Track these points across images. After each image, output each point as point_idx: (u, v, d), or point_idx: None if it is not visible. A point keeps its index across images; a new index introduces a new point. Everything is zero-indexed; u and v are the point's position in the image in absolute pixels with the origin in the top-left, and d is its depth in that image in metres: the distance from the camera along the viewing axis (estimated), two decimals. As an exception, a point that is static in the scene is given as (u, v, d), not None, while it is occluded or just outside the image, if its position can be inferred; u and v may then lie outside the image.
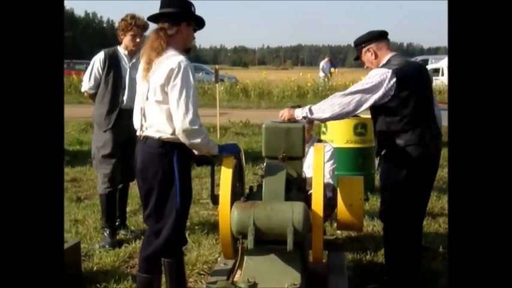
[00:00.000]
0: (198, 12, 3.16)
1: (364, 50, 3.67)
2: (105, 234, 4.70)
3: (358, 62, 3.91)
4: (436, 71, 26.69)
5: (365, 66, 3.78)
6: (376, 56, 3.63)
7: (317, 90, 22.45)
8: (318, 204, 2.89)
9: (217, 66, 14.66)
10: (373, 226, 5.07)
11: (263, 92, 22.33)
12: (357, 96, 3.43)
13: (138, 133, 3.17)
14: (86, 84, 4.69)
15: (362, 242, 4.72)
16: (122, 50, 4.68)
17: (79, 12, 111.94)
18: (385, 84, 3.41)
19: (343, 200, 3.20)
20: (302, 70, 37.43)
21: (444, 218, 5.46)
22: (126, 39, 4.62)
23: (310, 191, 3.04)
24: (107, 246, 4.58)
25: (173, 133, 2.98)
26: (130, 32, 4.58)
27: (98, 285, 3.73)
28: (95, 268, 4.09)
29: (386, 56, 3.60)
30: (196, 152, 3.10)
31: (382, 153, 3.59)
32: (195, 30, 3.20)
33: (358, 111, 3.51)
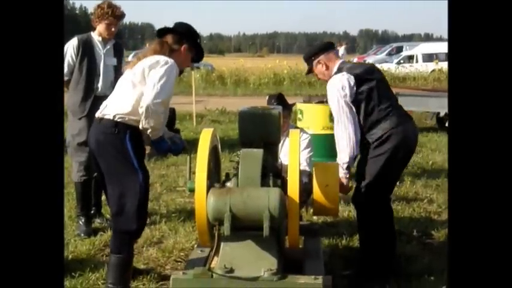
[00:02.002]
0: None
1: (314, 62, 3.82)
2: (81, 222, 4.66)
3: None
4: (411, 57, 26.94)
5: (318, 78, 3.94)
6: (327, 67, 3.77)
7: (293, 78, 22.49)
8: (293, 189, 2.90)
9: (193, 54, 14.53)
10: (349, 211, 5.12)
11: (239, 80, 22.28)
12: (343, 116, 3.52)
13: (96, 115, 3.31)
14: None
15: (338, 227, 4.77)
16: (95, 36, 4.60)
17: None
18: (347, 86, 3.55)
19: (319, 183, 3.23)
20: (278, 57, 37.43)
21: (418, 203, 5.55)
22: (101, 27, 4.55)
23: (287, 178, 3.05)
24: (82, 234, 4.54)
25: (128, 113, 3.14)
26: (106, 20, 4.50)
27: (73, 273, 3.70)
28: (70, 257, 4.05)
29: (335, 65, 3.75)
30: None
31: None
32: (192, 60, 3.50)
33: (356, 123, 3.56)
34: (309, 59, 3.84)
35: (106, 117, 3.23)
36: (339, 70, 3.68)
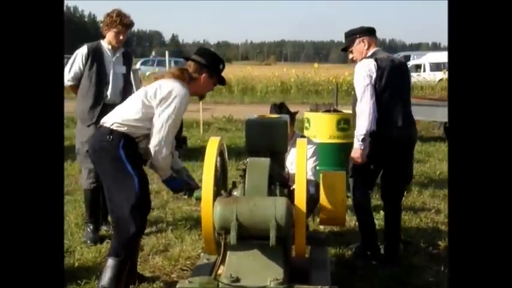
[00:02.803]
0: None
1: (358, 40, 4.10)
2: (88, 229, 4.66)
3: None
4: (418, 67, 26.87)
5: (350, 57, 4.19)
6: (368, 47, 4.06)
7: (301, 86, 22.51)
8: (300, 199, 2.90)
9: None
10: (356, 221, 5.09)
11: (246, 88, 22.33)
12: (366, 93, 3.85)
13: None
14: (66, 75, 4.62)
15: (345, 236, 4.75)
16: (105, 44, 4.63)
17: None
18: (374, 70, 3.87)
19: (326, 192, 3.22)
20: (286, 65, 37.48)
21: (425, 213, 5.52)
22: (110, 35, 4.59)
23: (293, 187, 3.05)
24: (88, 241, 4.54)
25: (126, 123, 3.24)
26: (114, 28, 4.55)
27: (79, 281, 3.70)
28: (76, 264, 4.05)
29: (373, 49, 4.05)
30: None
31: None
32: (214, 84, 3.58)
33: (375, 102, 3.86)
34: (353, 35, 4.12)
35: (104, 125, 3.33)
36: (373, 55, 3.99)
